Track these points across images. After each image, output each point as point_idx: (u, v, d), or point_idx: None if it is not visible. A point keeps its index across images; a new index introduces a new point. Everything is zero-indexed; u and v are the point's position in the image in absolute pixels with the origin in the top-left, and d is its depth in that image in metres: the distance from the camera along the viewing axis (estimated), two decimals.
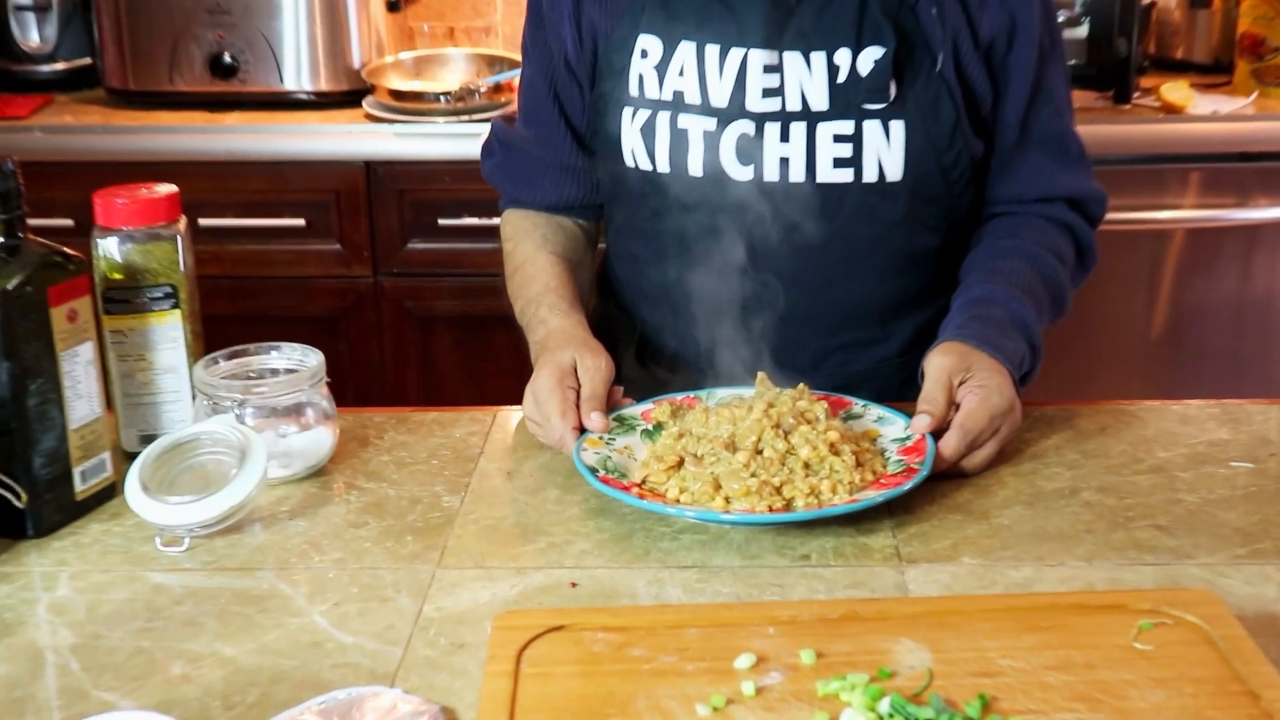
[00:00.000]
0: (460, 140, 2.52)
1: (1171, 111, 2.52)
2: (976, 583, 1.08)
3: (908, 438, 1.26)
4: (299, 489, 1.26)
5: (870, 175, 1.38)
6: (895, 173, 1.39)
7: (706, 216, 1.41)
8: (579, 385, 1.30)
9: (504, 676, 0.91)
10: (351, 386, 2.61)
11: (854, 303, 1.46)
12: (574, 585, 1.08)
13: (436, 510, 1.21)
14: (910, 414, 1.28)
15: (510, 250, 1.54)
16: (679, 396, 1.35)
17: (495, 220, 2.45)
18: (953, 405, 1.27)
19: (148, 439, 1.26)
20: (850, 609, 0.99)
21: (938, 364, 1.30)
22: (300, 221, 2.55)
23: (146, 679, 0.97)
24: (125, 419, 1.31)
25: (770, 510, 1.14)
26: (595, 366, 1.31)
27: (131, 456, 1.22)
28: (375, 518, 1.20)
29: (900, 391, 1.45)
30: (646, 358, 1.54)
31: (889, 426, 1.30)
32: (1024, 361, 1.36)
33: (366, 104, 2.62)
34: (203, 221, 2.47)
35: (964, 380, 1.28)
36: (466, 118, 2.55)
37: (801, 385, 1.29)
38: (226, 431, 1.19)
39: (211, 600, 1.07)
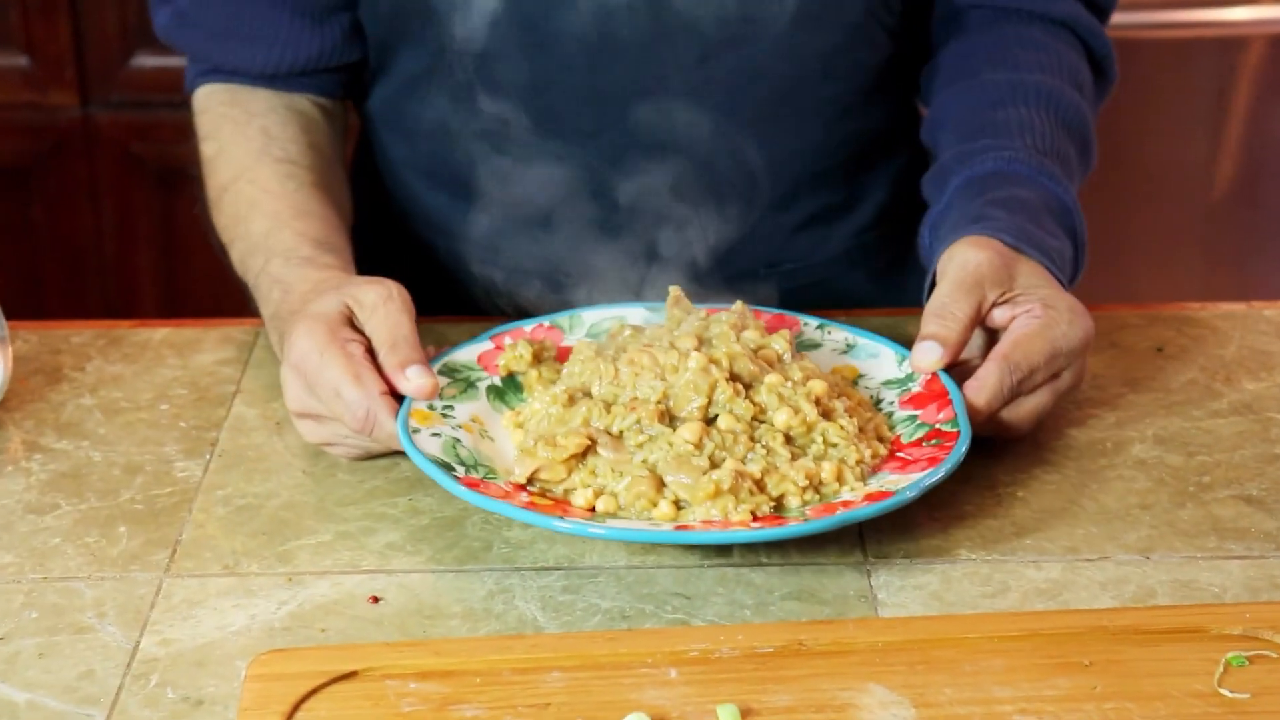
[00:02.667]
0: None
1: None
2: (978, 590, 1.07)
3: (908, 379, 1.20)
4: None
5: None
6: None
7: (561, 50, 1.36)
8: (364, 338, 1.18)
9: None
10: (50, 277, 2.60)
11: (808, 156, 1.45)
12: (375, 600, 1.06)
13: (167, 484, 1.19)
14: (903, 340, 1.22)
15: (211, 157, 1.43)
16: (528, 326, 1.28)
17: None
18: (977, 326, 1.20)
19: None
20: (792, 638, 0.98)
21: (969, 258, 1.21)
22: None
23: None
24: None
25: (754, 519, 1.07)
26: (385, 296, 1.19)
27: None
28: (70, 497, 1.18)
29: (890, 277, 1.45)
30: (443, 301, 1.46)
31: (869, 360, 1.24)
32: (1071, 265, 1.32)
33: None
34: None
35: (1009, 296, 1.21)
36: None
37: (739, 303, 1.22)
38: None
39: None
